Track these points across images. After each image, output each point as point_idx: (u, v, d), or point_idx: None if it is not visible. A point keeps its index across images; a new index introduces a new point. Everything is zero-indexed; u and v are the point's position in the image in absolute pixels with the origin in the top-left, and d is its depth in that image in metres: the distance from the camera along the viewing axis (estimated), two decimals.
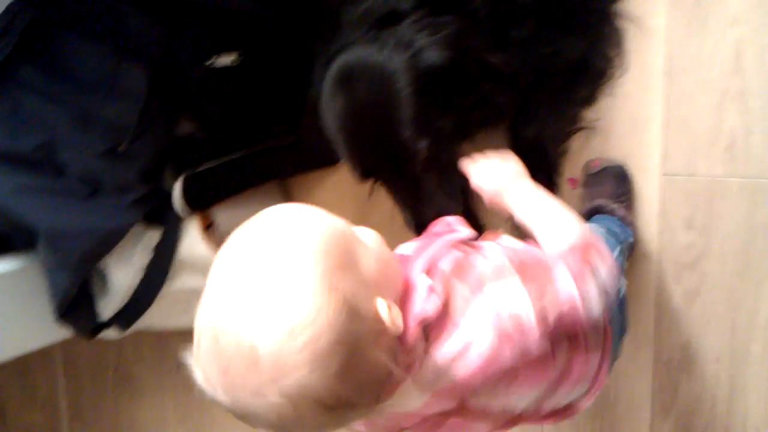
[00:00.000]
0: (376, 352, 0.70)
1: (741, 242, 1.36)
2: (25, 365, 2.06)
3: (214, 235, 1.41)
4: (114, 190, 1.29)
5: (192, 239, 1.38)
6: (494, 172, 1.00)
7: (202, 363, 0.71)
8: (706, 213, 1.37)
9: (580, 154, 1.42)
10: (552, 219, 0.91)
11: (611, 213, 1.32)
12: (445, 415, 0.83)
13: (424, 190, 1.09)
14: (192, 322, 1.69)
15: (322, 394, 0.67)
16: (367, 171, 1.10)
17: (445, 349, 0.77)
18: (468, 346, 0.77)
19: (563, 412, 0.98)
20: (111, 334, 1.52)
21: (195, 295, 1.49)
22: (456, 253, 0.86)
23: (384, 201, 1.19)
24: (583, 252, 0.85)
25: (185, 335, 2.00)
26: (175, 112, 1.33)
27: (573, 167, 1.43)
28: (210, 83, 1.31)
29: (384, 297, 0.73)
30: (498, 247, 0.90)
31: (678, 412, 1.46)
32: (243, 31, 1.33)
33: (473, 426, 0.88)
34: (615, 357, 1.01)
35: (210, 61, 1.29)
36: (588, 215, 1.33)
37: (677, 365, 1.44)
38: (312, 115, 1.13)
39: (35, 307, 1.44)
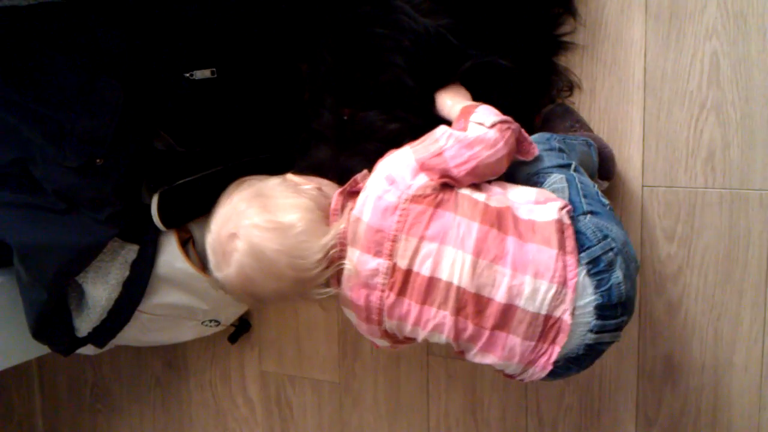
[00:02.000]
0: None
1: (722, 253, 1.36)
2: (1, 383, 2.03)
3: (192, 250, 1.40)
4: (90, 205, 1.27)
5: (170, 254, 1.36)
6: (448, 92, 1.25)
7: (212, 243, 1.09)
8: (686, 224, 1.37)
9: None
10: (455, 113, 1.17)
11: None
12: (390, 283, 1.04)
13: None
14: (169, 339, 1.68)
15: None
16: None
17: (357, 204, 1.07)
18: (368, 193, 1.06)
19: (551, 327, 1.01)
20: (88, 350, 1.50)
21: (173, 310, 1.49)
22: None
23: None
24: (459, 113, 1.13)
25: (163, 351, 2.00)
26: (152, 126, 1.32)
27: None
28: (188, 97, 1.29)
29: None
30: None
31: (662, 424, 1.45)
32: (220, 45, 1.33)
33: (430, 314, 1.04)
34: (609, 278, 1.02)
35: (189, 74, 1.28)
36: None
37: (661, 377, 1.44)
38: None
39: (11, 323, 1.43)
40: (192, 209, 1.38)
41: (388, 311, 1.06)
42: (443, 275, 1.02)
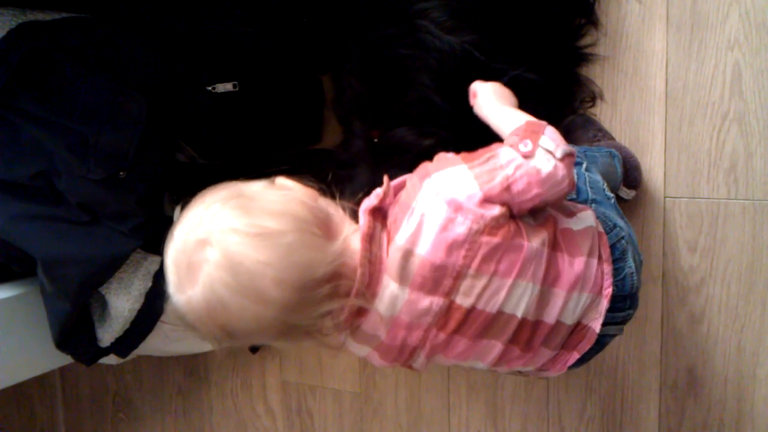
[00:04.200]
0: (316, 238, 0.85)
1: (745, 264, 1.35)
2: (24, 392, 2.05)
3: None
4: (113, 217, 1.28)
5: None
6: (492, 86, 1.13)
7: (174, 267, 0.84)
8: (709, 235, 1.36)
9: None
10: (511, 121, 1.00)
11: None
12: (441, 322, 0.90)
13: None
14: (191, 349, 1.69)
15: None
16: None
17: (404, 230, 0.87)
18: (423, 219, 0.87)
19: (578, 335, 0.97)
20: (110, 360, 1.51)
21: None
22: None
23: None
24: (522, 130, 0.94)
25: (185, 361, 2.01)
26: (175, 138, 1.33)
27: None
28: (211, 109, 1.30)
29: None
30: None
31: None
32: (243, 59, 1.34)
33: (481, 346, 0.93)
34: (624, 267, 0.99)
35: (211, 87, 1.29)
36: None
37: (684, 389, 1.43)
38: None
39: (34, 334, 1.43)
40: None
41: (430, 350, 0.93)
42: (507, 309, 0.90)
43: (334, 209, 0.91)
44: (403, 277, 0.87)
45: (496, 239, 0.87)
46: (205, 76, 1.28)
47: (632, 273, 0.99)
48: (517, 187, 0.88)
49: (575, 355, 0.99)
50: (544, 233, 0.92)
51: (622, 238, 1.01)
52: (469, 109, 1.15)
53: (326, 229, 0.87)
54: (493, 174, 0.88)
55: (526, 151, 0.90)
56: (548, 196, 0.91)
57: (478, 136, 1.12)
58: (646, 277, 1.40)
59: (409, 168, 1.17)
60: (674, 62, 1.35)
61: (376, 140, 1.26)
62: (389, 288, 0.87)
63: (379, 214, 0.91)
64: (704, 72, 1.33)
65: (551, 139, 0.92)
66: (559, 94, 1.36)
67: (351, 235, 0.89)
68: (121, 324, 1.39)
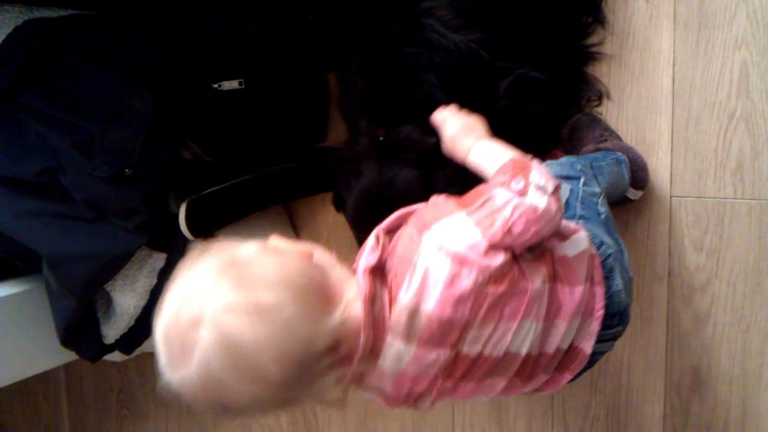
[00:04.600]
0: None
1: (751, 264, 1.35)
2: (29, 389, 2.05)
3: None
4: (119, 214, 1.28)
5: None
6: (458, 121, 1.10)
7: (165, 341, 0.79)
8: (715, 235, 1.36)
9: None
10: (493, 158, 0.98)
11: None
12: (447, 371, 0.88)
13: None
14: None
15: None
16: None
17: (407, 287, 0.84)
18: (427, 275, 0.84)
19: (570, 357, 0.96)
20: (115, 356, 1.52)
21: None
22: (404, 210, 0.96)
23: None
24: (510, 167, 0.91)
25: None
26: (181, 136, 1.33)
27: None
28: (216, 107, 1.30)
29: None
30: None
31: None
32: (247, 56, 1.33)
33: (486, 384, 0.92)
34: (612, 285, 0.98)
35: (217, 85, 1.29)
36: None
37: (689, 388, 1.43)
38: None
39: (39, 330, 1.44)
40: (219, 218, 1.39)
41: (436, 395, 0.91)
42: (513, 349, 0.89)
43: (330, 266, 0.87)
44: (409, 336, 0.85)
45: (501, 288, 0.86)
46: (211, 74, 1.28)
47: (620, 291, 0.98)
48: (517, 229, 0.86)
49: (567, 376, 0.98)
50: (543, 269, 0.90)
51: (610, 255, 0.99)
52: (473, 107, 1.14)
53: (324, 295, 0.83)
54: (492, 218, 0.86)
55: (519, 188, 0.88)
56: (545, 232, 0.90)
57: None
58: (652, 276, 1.41)
59: (414, 165, 1.16)
60: (681, 61, 1.34)
61: (381, 138, 1.26)
62: (394, 347, 0.85)
63: (378, 271, 0.87)
64: (711, 71, 1.33)
65: (540, 174, 0.90)
66: (566, 93, 1.36)
67: (352, 300, 0.84)
68: (126, 321, 1.39)
